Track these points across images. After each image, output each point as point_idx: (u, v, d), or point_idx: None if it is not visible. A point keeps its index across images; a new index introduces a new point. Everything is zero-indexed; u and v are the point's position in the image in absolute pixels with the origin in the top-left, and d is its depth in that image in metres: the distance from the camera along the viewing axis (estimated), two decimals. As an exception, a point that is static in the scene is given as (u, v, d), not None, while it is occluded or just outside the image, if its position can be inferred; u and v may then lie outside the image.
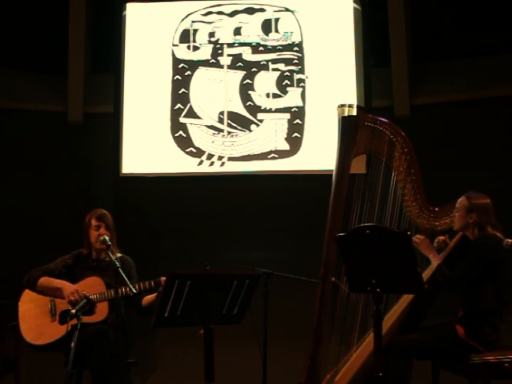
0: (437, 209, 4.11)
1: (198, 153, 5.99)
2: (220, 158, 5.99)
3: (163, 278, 3.98)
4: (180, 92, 6.07)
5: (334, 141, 4.27)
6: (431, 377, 4.06)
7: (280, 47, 6.10)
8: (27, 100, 6.23)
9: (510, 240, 3.57)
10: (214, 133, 6.02)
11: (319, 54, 6.08)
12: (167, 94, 6.08)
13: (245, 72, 6.09)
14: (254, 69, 6.09)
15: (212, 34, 6.15)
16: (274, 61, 6.09)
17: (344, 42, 6.08)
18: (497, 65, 6.05)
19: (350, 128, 4.19)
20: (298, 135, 5.98)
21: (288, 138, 5.99)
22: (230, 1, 6.19)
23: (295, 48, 6.09)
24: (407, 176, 4.13)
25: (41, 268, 4.28)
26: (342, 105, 4.26)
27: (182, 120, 6.04)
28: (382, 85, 6.19)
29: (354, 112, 4.22)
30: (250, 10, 6.17)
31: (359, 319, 3.99)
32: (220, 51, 6.12)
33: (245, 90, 6.07)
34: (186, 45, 6.15)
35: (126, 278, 3.86)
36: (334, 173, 4.18)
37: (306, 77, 6.06)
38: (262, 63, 6.10)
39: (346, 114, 4.22)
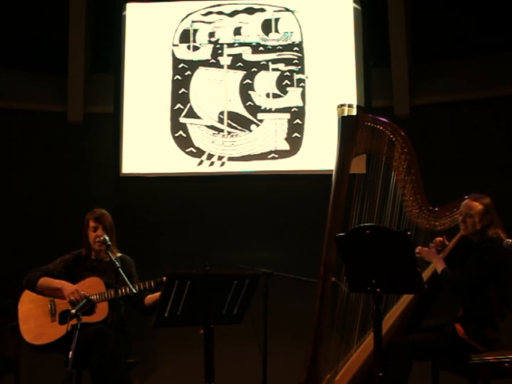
0: (437, 209, 4.11)
1: (198, 153, 5.99)
2: (220, 158, 5.99)
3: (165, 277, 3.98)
4: (180, 91, 6.07)
5: (334, 141, 4.27)
6: (431, 378, 4.06)
7: (280, 47, 6.10)
8: (27, 100, 6.22)
9: (510, 240, 3.57)
10: (214, 133, 6.01)
11: (319, 54, 6.07)
12: (167, 94, 6.07)
13: (245, 72, 6.09)
14: (254, 69, 6.09)
15: (212, 34, 6.14)
16: (274, 61, 6.09)
17: (344, 42, 6.07)
18: (497, 65, 6.04)
19: (350, 128, 4.19)
20: (298, 135, 5.98)
21: (288, 138, 5.98)
22: (230, 1, 6.19)
23: (295, 48, 6.09)
24: (407, 176, 4.13)
25: (41, 268, 4.28)
26: (342, 105, 4.26)
27: (182, 120, 6.04)
28: (382, 85, 6.18)
29: (354, 112, 4.22)
30: (250, 10, 6.16)
31: (359, 319, 3.99)
32: (219, 51, 6.11)
33: (245, 90, 6.07)
34: (186, 45, 6.14)
35: (126, 278, 3.87)
36: (334, 173, 4.18)
37: (306, 77, 6.06)
38: (262, 63, 6.09)
39: (346, 114, 4.22)
